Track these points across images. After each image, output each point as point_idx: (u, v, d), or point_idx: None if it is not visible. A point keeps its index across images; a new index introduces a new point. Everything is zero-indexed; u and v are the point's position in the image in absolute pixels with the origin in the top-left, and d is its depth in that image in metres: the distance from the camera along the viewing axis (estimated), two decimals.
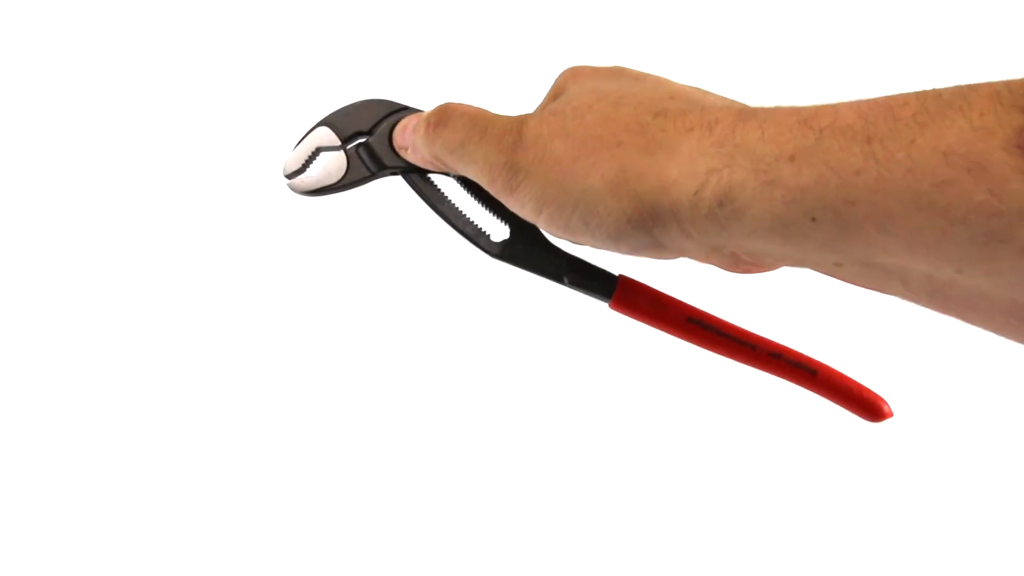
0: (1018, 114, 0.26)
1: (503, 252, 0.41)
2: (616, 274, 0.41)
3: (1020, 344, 0.31)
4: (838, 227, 0.29)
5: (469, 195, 0.42)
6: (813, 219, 0.30)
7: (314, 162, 0.43)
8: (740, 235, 0.32)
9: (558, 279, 0.41)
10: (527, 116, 0.38)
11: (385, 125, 0.43)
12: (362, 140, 0.43)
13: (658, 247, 0.35)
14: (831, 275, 0.35)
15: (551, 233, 0.38)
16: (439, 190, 0.43)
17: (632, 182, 0.34)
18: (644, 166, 0.34)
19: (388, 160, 0.43)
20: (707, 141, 0.33)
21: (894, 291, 0.33)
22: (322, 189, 0.43)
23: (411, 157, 0.42)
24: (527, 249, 0.41)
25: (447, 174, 0.42)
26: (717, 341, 0.40)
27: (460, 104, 0.40)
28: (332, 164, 0.43)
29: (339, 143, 0.43)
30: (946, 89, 0.29)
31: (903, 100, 0.29)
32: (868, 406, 0.42)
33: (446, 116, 0.40)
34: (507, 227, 0.42)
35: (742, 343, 0.40)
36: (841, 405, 0.43)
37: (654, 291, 0.41)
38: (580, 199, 0.35)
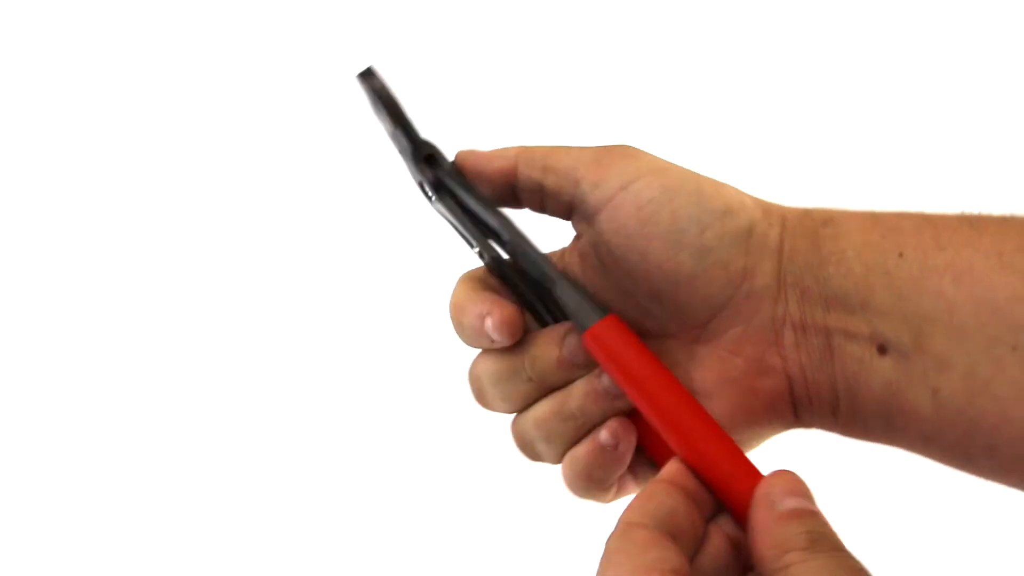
0: None
1: (504, 266, 0.37)
2: (606, 309, 0.35)
3: None
4: (921, 268, 0.32)
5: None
6: (901, 254, 0.32)
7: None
8: (827, 261, 0.34)
9: (551, 285, 0.36)
10: None
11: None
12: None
13: (743, 247, 0.34)
14: (855, 388, 0.33)
15: (631, 204, 0.34)
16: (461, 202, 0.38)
17: (743, 190, 0.36)
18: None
19: (436, 170, 0.38)
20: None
21: (919, 407, 0.32)
22: (393, 106, 0.38)
23: (485, 159, 0.38)
24: (525, 251, 0.37)
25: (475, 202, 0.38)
26: (694, 409, 0.34)
27: None
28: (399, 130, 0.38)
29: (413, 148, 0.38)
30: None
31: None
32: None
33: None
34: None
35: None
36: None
37: (637, 338, 0.35)
38: (699, 177, 0.35)
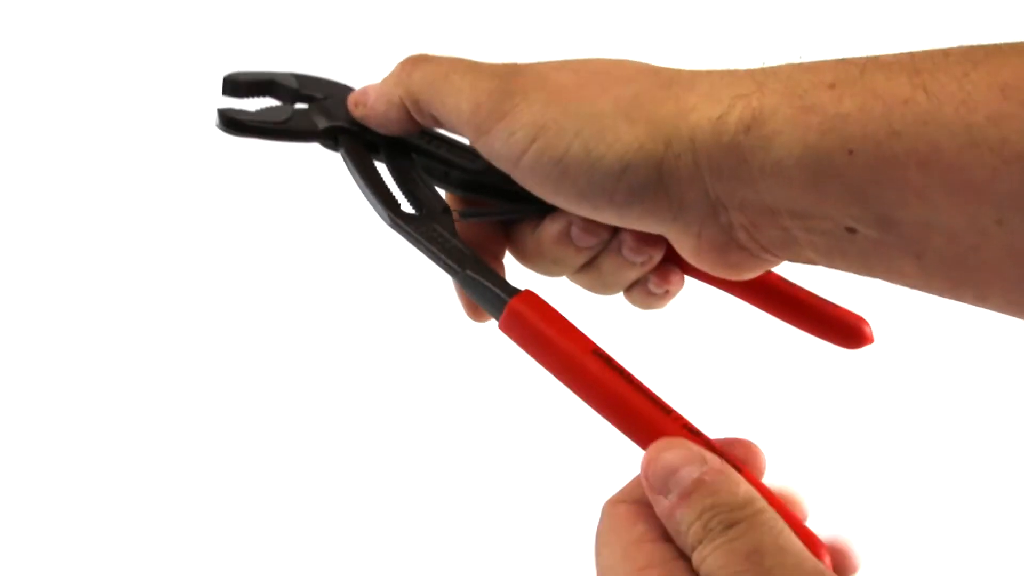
0: None
1: (407, 224, 0.36)
2: (521, 288, 0.33)
3: None
4: (877, 161, 0.27)
5: (396, 174, 0.38)
6: (850, 151, 0.27)
7: (257, 101, 0.39)
8: (761, 175, 0.29)
9: (454, 269, 0.35)
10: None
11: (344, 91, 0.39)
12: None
13: (658, 193, 0.31)
14: (831, 259, 0.31)
15: (534, 176, 0.32)
16: (369, 158, 0.38)
17: (648, 105, 0.31)
18: (661, 94, 0.31)
19: (335, 115, 0.38)
20: (731, 75, 0.30)
21: (905, 269, 0.29)
22: (253, 126, 0.37)
23: (369, 107, 0.37)
24: (432, 232, 0.36)
25: (387, 145, 0.38)
26: (624, 390, 0.30)
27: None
28: (275, 108, 0.38)
29: (296, 87, 0.39)
30: (996, 43, 0.27)
31: (950, 47, 0.27)
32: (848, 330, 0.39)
33: (425, 56, 0.36)
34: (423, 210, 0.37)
35: (655, 403, 0.30)
36: (817, 334, 0.39)
37: (560, 314, 0.32)
38: (586, 123, 0.31)
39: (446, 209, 0.37)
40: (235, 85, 0.39)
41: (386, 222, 0.36)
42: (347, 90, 0.39)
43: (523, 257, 0.39)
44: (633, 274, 0.38)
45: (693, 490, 0.27)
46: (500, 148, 0.33)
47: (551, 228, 0.37)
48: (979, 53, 0.26)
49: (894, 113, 0.27)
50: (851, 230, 0.29)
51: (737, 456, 0.30)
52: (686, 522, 0.27)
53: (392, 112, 0.37)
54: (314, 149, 0.40)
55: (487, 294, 0.34)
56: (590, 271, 0.38)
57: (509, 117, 0.33)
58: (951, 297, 0.30)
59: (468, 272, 0.34)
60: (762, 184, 0.29)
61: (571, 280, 0.39)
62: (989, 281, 0.28)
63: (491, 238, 0.39)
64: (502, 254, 0.40)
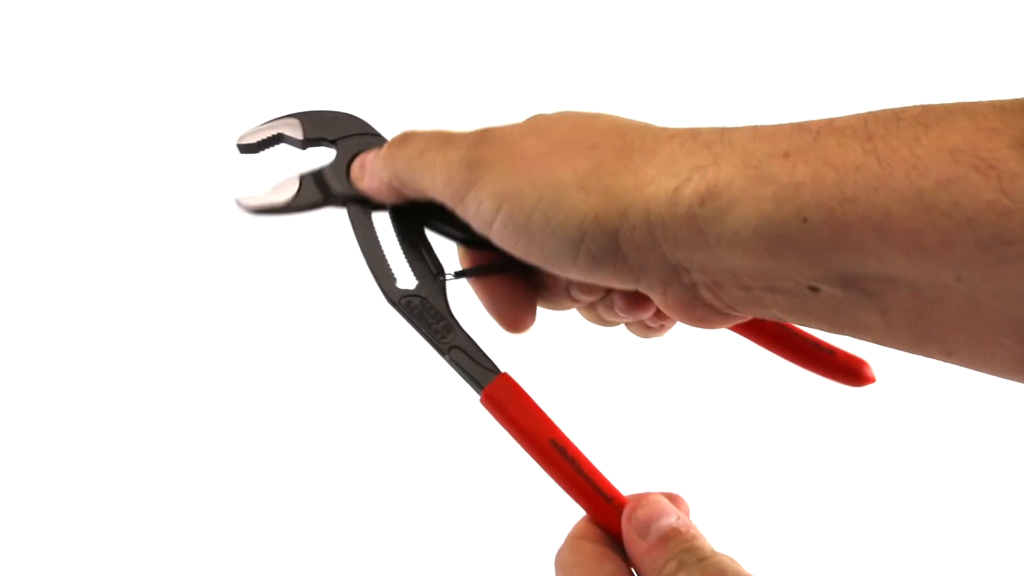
0: (1023, 116, 0.25)
1: (400, 300, 0.39)
2: (500, 370, 0.38)
3: (1000, 376, 0.28)
4: (832, 228, 0.27)
5: (399, 235, 0.41)
6: (805, 219, 0.27)
7: (267, 182, 0.41)
8: (717, 244, 0.29)
9: (441, 350, 0.38)
10: (495, 124, 0.36)
11: (344, 151, 0.42)
12: (322, 154, 0.42)
13: (617, 259, 0.32)
14: (797, 317, 0.31)
15: (505, 242, 0.34)
16: (371, 225, 0.41)
17: (605, 178, 0.31)
18: (620, 165, 0.32)
19: (339, 187, 0.41)
20: (691, 144, 0.31)
21: (869, 324, 0.30)
22: (269, 208, 0.41)
23: (365, 184, 0.40)
24: (424, 306, 0.39)
25: (393, 208, 0.41)
26: (571, 476, 0.36)
27: (424, 128, 0.38)
28: (282, 185, 0.41)
29: (301, 138, 0.42)
30: (950, 103, 0.27)
31: (903, 107, 0.27)
32: (850, 370, 0.41)
33: (407, 135, 0.38)
34: (416, 280, 0.40)
35: (596, 489, 0.36)
36: (821, 374, 0.42)
37: (530, 400, 0.37)
38: (545, 192, 0.32)
39: (440, 272, 0.40)
40: (247, 148, 0.42)
41: (389, 299, 0.40)
42: (350, 120, 0.43)
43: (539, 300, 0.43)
44: (629, 319, 0.41)
45: (670, 536, 0.33)
46: (473, 215, 0.35)
47: (554, 284, 0.41)
48: (930, 116, 0.26)
49: (846, 180, 0.27)
50: (814, 289, 0.29)
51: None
52: (662, 559, 0.33)
53: (384, 190, 0.39)
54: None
55: (467, 378, 0.38)
56: (592, 315, 0.43)
57: (477, 187, 0.34)
58: (918, 352, 0.30)
59: (451, 356, 0.38)
60: (719, 251, 0.30)
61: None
62: (953, 335, 0.28)
63: (514, 286, 0.42)
64: (531, 300, 0.42)
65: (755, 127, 0.30)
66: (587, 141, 0.33)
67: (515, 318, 0.41)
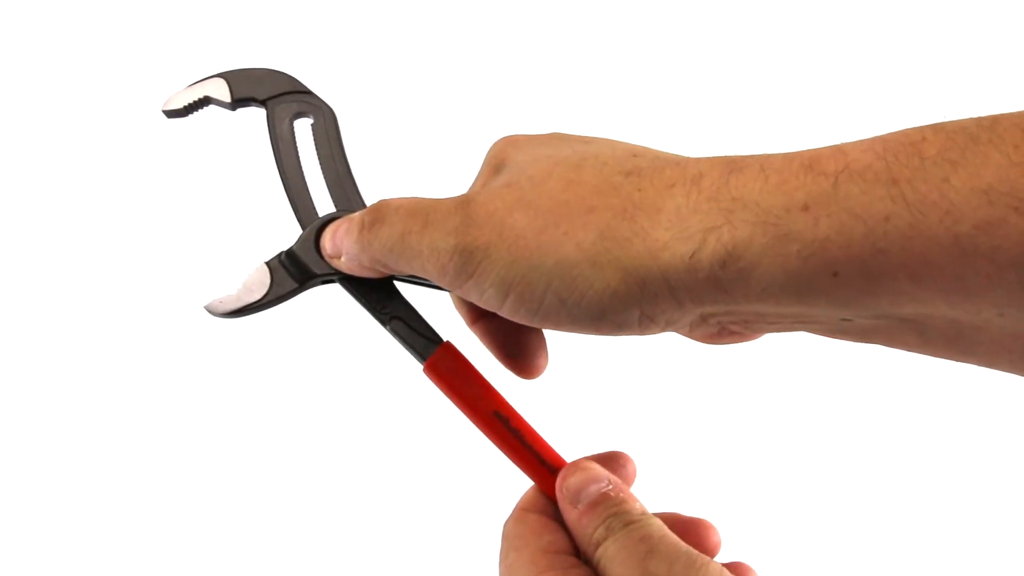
0: None
1: (338, 272, 0.38)
2: (444, 339, 0.37)
3: None
4: (864, 280, 0.26)
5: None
6: (835, 273, 0.26)
7: (236, 279, 0.39)
8: (745, 299, 0.28)
9: (382, 320, 0.38)
10: (473, 194, 0.33)
11: (309, 229, 0.39)
12: (252, 114, 0.40)
13: (646, 322, 0.30)
14: (830, 335, 0.31)
15: (519, 320, 0.32)
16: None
17: (614, 249, 0.30)
18: (626, 230, 0.30)
19: (317, 268, 0.38)
20: (696, 196, 0.29)
21: (905, 343, 0.29)
22: (244, 308, 0.38)
23: (345, 265, 0.37)
24: (359, 282, 0.38)
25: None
26: (515, 447, 0.37)
27: (394, 199, 0.35)
28: (253, 279, 0.38)
29: (229, 100, 0.40)
30: (966, 122, 0.26)
31: (920, 135, 0.26)
32: None
33: (380, 213, 0.35)
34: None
35: (540, 460, 0.37)
36: None
37: (473, 370, 0.37)
38: (554, 274, 0.30)
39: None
40: (175, 113, 0.41)
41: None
42: (278, 77, 0.41)
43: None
44: None
45: (599, 502, 0.35)
46: (477, 300, 0.33)
47: None
48: (954, 151, 0.25)
49: (876, 232, 0.26)
50: (846, 320, 0.29)
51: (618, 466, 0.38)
52: (592, 526, 0.34)
53: (367, 272, 0.38)
54: None
55: (409, 348, 0.38)
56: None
57: (477, 277, 0.32)
58: (960, 362, 0.30)
59: (391, 326, 0.38)
60: (746, 304, 0.29)
61: None
62: (996, 353, 0.28)
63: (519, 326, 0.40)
64: (539, 338, 0.40)
65: (761, 169, 0.28)
66: (581, 204, 0.31)
67: (527, 363, 0.38)
